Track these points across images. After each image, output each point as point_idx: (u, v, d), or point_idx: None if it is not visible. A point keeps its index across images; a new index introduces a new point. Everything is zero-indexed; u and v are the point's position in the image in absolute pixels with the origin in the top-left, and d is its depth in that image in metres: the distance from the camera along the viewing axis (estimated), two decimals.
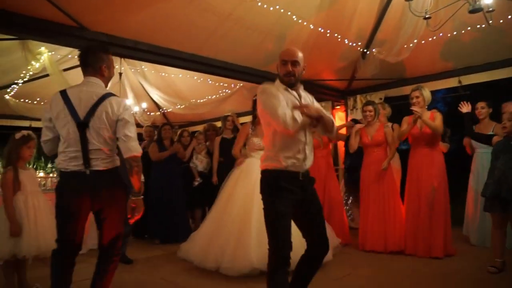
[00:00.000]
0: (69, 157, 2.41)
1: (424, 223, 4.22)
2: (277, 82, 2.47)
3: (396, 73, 5.79)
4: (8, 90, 6.44)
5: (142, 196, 2.54)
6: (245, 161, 4.11)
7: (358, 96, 6.54)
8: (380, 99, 6.20)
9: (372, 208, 4.60)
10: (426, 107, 4.37)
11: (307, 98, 2.50)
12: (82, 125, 2.40)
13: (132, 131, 2.47)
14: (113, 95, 2.54)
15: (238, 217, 3.67)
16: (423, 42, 4.73)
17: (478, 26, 4.39)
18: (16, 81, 6.18)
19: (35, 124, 7.74)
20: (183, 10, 4.11)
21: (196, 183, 5.75)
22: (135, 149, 2.46)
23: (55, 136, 2.50)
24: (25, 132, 3.22)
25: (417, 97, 4.32)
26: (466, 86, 5.55)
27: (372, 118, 4.73)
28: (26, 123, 7.97)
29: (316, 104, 2.51)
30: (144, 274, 3.81)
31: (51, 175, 7.26)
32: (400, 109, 6.03)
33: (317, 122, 2.33)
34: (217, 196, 4.11)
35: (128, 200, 2.52)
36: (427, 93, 4.35)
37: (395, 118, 5.74)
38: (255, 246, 3.38)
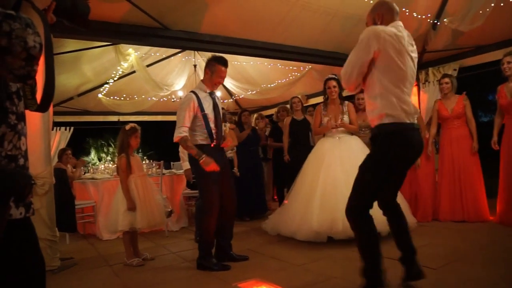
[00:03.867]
0: None
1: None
2: None
3: (472, 40, 5.51)
4: (101, 89, 7.25)
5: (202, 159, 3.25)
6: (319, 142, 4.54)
7: (430, 69, 6.31)
8: (454, 70, 5.96)
9: (449, 180, 4.68)
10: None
11: None
12: None
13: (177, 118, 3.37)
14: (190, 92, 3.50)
15: (307, 190, 4.10)
16: (502, 4, 4.46)
17: None
18: (107, 81, 6.97)
19: (123, 118, 8.53)
20: (252, 1, 4.38)
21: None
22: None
23: None
24: (132, 124, 3.75)
25: (509, 62, 4.15)
26: None
27: (449, 90, 4.76)
28: (115, 118, 8.85)
29: None
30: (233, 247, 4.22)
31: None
32: (478, 78, 5.80)
33: None
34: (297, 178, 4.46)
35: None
36: None
37: (473, 88, 5.54)
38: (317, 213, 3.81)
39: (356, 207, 2.31)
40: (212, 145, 3.42)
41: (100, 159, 14.40)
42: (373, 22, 2.42)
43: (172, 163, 7.48)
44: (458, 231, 4.18)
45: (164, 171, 5.77)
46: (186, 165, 4.75)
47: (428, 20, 5.18)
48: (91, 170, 6.86)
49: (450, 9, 4.97)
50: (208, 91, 3.50)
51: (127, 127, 3.70)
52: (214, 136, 3.42)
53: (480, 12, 4.47)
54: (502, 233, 3.97)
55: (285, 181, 5.98)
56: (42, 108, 1.30)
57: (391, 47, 2.20)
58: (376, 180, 2.28)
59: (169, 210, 4.62)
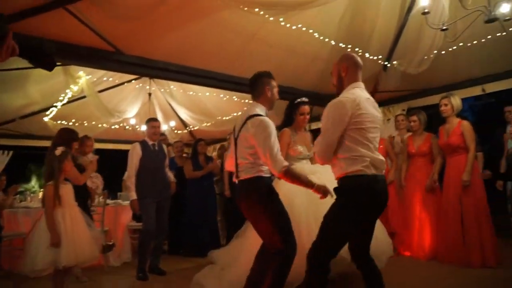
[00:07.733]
0: None
1: (454, 232, 4.20)
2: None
3: (419, 83, 5.84)
4: (48, 112, 6.83)
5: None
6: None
7: (381, 108, 6.57)
8: (403, 110, 6.25)
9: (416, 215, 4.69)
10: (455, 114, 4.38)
11: None
12: (235, 142, 2.80)
13: (267, 147, 2.55)
14: (257, 115, 2.70)
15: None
16: (443, 52, 4.77)
17: (498, 34, 4.43)
18: (55, 104, 6.58)
19: None
20: (210, 32, 4.37)
21: None
22: (274, 166, 2.55)
23: None
24: (63, 148, 3.30)
25: (445, 104, 4.36)
26: (490, 94, 5.57)
27: (418, 128, 4.81)
28: None
29: None
30: (175, 284, 3.98)
31: None
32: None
33: None
34: None
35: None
36: (456, 101, 4.33)
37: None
38: None
39: (318, 252, 2.28)
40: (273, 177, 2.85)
41: (41, 187, 13.45)
42: (338, 73, 2.48)
43: (119, 193, 7.08)
44: (403, 267, 4.22)
45: (109, 201, 5.43)
46: (133, 195, 4.28)
47: (379, 62, 5.42)
48: (29, 198, 6.32)
49: (399, 53, 5.24)
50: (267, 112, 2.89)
51: (57, 152, 3.28)
52: None
53: (425, 57, 4.75)
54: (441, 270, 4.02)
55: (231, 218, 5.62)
56: None
57: (357, 115, 2.24)
58: (338, 231, 2.28)
59: (110, 243, 4.26)
